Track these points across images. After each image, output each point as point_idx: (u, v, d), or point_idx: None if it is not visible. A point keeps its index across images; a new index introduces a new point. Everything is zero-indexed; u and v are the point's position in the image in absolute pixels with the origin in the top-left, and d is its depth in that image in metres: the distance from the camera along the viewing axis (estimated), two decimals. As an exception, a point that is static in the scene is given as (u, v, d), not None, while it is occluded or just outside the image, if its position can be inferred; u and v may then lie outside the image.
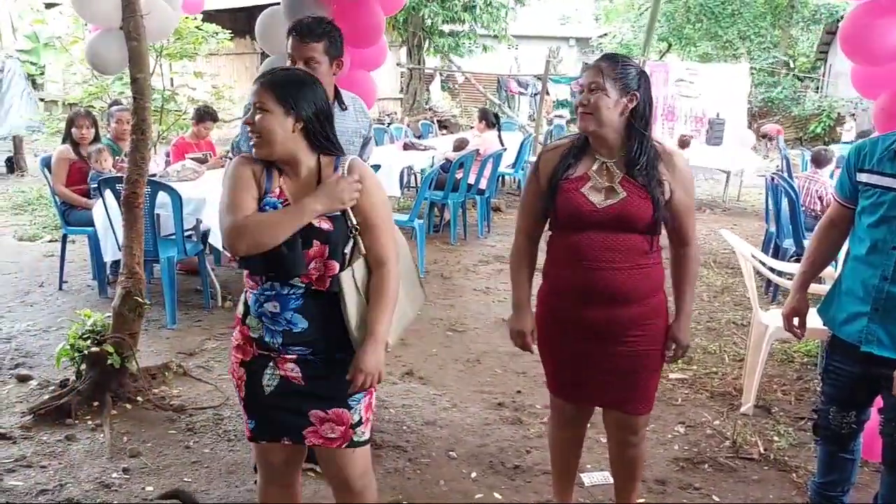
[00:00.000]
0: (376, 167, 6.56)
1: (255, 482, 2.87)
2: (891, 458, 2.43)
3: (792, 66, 21.23)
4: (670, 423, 3.77)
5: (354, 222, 2.09)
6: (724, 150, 11.23)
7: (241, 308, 2.19)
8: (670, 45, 23.61)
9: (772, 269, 4.37)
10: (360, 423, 2.18)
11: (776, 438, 3.61)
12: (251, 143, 2.07)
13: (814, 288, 2.78)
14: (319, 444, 2.17)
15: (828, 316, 2.58)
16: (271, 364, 2.13)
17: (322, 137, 2.10)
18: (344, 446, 2.17)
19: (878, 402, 2.51)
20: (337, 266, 2.07)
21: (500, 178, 10.26)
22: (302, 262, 2.03)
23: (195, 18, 8.33)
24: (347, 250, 2.10)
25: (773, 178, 6.28)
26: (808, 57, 23.71)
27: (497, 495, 3.08)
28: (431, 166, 8.36)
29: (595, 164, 2.35)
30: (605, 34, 26.94)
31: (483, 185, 8.02)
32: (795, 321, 2.68)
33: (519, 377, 4.32)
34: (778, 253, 5.89)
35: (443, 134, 13.52)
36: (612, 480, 2.92)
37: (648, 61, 12.72)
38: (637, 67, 2.35)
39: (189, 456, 3.26)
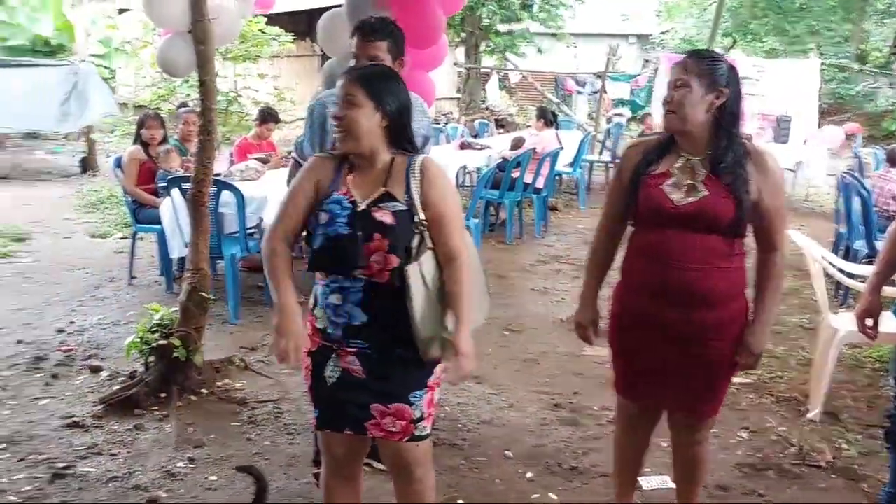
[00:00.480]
0: (434, 166, 6.61)
1: (314, 475, 2.95)
2: None
3: (865, 61, 20.42)
4: (734, 427, 3.68)
5: (422, 217, 2.11)
6: (791, 149, 10.90)
7: (311, 299, 2.25)
8: (735, 41, 23.01)
9: (842, 272, 4.23)
10: (421, 418, 2.21)
11: (845, 446, 3.49)
12: (335, 136, 2.13)
13: (888, 291, 2.69)
14: (381, 436, 2.22)
15: None
16: (333, 356, 2.19)
17: (402, 135, 2.15)
18: (405, 440, 2.21)
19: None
20: (397, 260, 2.09)
21: (558, 178, 10.18)
22: (361, 256, 2.07)
23: (258, 22, 8.53)
24: (414, 244, 2.11)
25: (844, 177, 6.07)
26: (881, 52, 22.81)
27: (553, 496, 3.06)
28: (487, 165, 8.35)
29: (679, 161, 2.31)
30: (667, 30, 26.42)
31: (540, 184, 7.97)
32: (868, 322, 2.59)
33: (577, 378, 4.28)
34: (849, 255, 5.68)
35: (499, 133, 13.48)
36: (671, 485, 2.88)
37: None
38: (727, 62, 2.29)
39: (250, 447, 3.34)
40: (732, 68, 2.29)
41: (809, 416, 3.75)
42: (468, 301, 2.14)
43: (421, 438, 2.24)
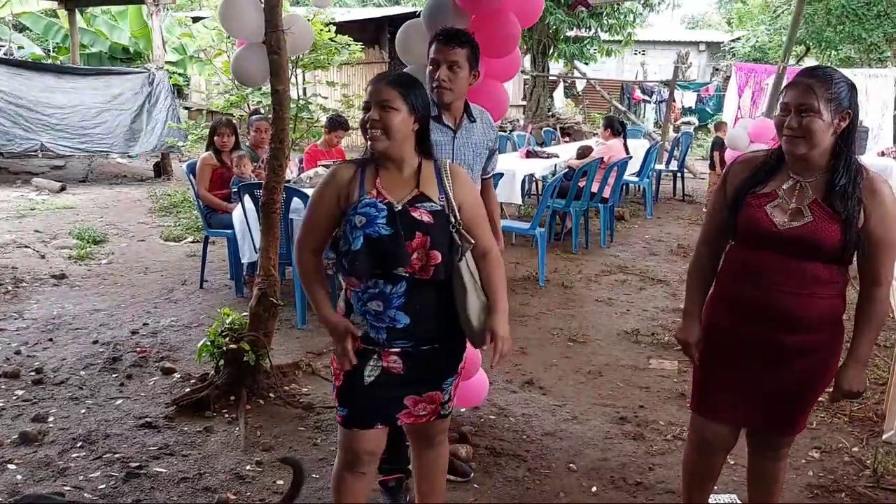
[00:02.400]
0: (498, 175, 6.61)
1: (380, 482, 2.98)
2: None
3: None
4: (804, 447, 3.57)
5: (458, 216, 2.25)
6: (867, 161, 10.51)
7: (342, 304, 2.32)
8: (808, 49, 22.35)
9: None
10: (448, 400, 2.41)
11: (924, 470, 3.35)
12: (368, 136, 2.20)
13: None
14: (410, 422, 2.36)
15: None
16: (375, 357, 2.26)
17: (427, 139, 2.28)
18: (432, 419, 2.40)
19: None
20: (440, 255, 2.19)
21: (625, 187, 10.06)
22: (406, 254, 2.16)
23: (329, 31, 8.70)
24: (456, 243, 2.24)
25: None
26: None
27: (618, 511, 3.04)
28: (553, 174, 8.31)
29: (787, 183, 2.25)
30: (738, 38, 25.86)
31: (606, 193, 7.90)
32: None
33: (642, 392, 4.23)
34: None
35: (565, 141, 13.41)
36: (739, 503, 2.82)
37: (789, 68, 12.14)
38: (848, 82, 2.20)
39: (316, 453, 3.40)
40: (853, 87, 2.22)
41: (885, 437, 3.61)
42: (503, 289, 2.35)
43: (446, 416, 2.45)
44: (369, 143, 2.20)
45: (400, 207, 2.19)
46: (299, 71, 8.89)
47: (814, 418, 3.87)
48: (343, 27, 10.25)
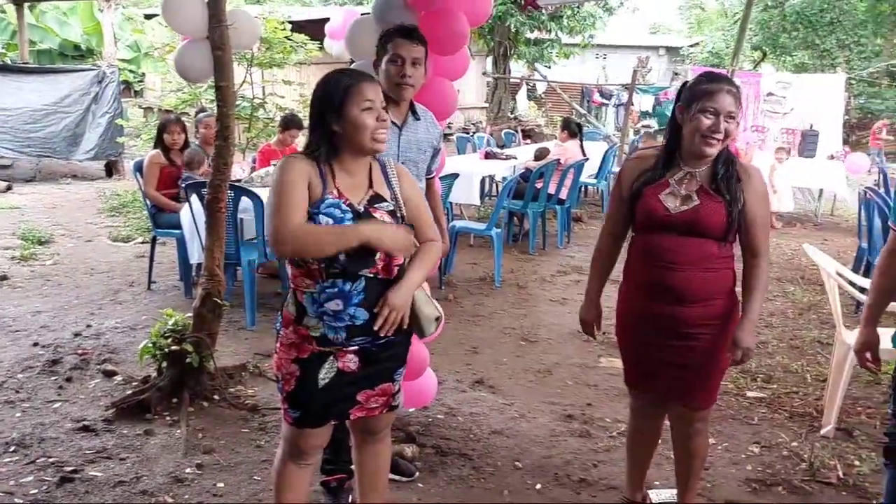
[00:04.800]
0: (454, 176, 6.62)
1: (322, 483, 2.96)
2: None
3: (895, 76, 20.11)
4: (744, 442, 3.63)
5: (405, 213, 2.27)
6: (816, 164, 10.76)
7: (291, 309, 2.25)
8: (765, 54, 22.81)
9: (860, 288, 4.15)
10: (399, 391, 2.42)
11: (857, 463, 3.42)
12: (379, 137, 2.19)
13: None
14: (362, 415, 2.35)
15: None
16: (331, 358, 2.23)
17: None
18: (383, 412, 2.40)
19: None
20: (401, 255, 2.23)
21: (584, 189, 10.14)
22: (372, 256, 2.17)
23: (284, 28, 8.62)
24: None
25: (866, 193, 5.98)
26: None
27: (561, 508, 3.05)
28: (513, 175, 8.35)
29: (678, 174, 2.53)
30: (696, 43, 26.29)
31: (564, 195, 7.96)
32: (868, 355, 2.56)
33: (590, 390, 4.25)
34: (869, 270, 5.57)
35: (526, 143, 13.48)
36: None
37: (739, 71, 12.35)
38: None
39: (260, 455, 3.34)
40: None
41: (822, 432, 3.69)
42: (423, 271, 2.30)
43: (395, 407, 2.45)
44: (377, 143, 2.18)
45: (362, 209, 2.19)
46: (255, 69, 8.78)
47: (755, 414, 3.95)
48: (301, 26, 10.17)
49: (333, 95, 2.17)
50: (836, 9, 20.87)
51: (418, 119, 2.97)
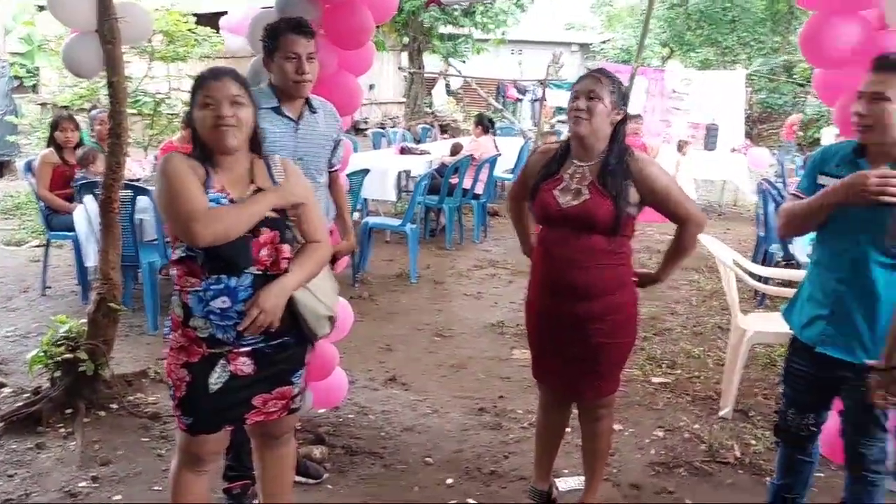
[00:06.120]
0: (365, 171, 6.56)
1: (224, 490, 2.87)
2: (851, 462, 2.48)
3: (792, 72, 21.09)
4: (649, 427, 3.73)
5: (289, 214, 2.22)
6: (719, 156, 11.17)
7: (178, 311, 2.18)
8: (672, 51, 23.54)
9: (757, 276, 4.33)
10: (298, 394, 2.35)
11: (753, 442, 3.56)
12: (225, 129, 2.10)
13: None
14: (260, 419, 2.28)
15: (791, 319, 2.58)
16: (222, 361, 2.16)
17: (258, 136, 2.23)
18: (283, 416, 2.33)
19: (839, 404, 2.51)
20: (288, 249, 2.19)
21: (500, 184, 10.22)
22: (250, 253, 2.11)
23: (187, 21, 8.33)
24: (291, 237, 2.22)
25: (762, 184, 6.25)
26: (807, 63, 23.50)
27: (471, 501, 3.05)
28: (428, 170, 8.33)
29: (571, 168, 2.57)
30: (608, 40, 26.88)
31: (479, 189, 8.00)
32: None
33: (503, 382, 4.29)
34: (767, 258, 5.82)
35: (444, 138, 13.49)
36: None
37: (643, 68, 12.71)
38: (623, 88, 2.59)
39: (160, 464, 3.21)
40: (627, 95, 2.63)
41: (721, 413, 3.83)
42: (306, 272, 2.23)
43: (295, 410, 2.38)
44: (223, 139, 2.11)
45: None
46: (158, 63, 8.46)
47: (660, 399, 4.06)
48: (208, 18, 9.83)
49: (190, 95, 2.17)
50: (737, 7, 21.74)
51: (315, 112, 2.91)
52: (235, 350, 2.16)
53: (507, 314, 5.49)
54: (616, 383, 2.78)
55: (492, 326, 5.25)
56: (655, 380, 4.31)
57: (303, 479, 3.05)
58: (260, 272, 2.14)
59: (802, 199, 2.45)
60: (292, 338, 2.26)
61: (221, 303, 2.11)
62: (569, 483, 3.15)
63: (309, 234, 2.28)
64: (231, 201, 2.12)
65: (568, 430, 3.05)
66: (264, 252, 2.14)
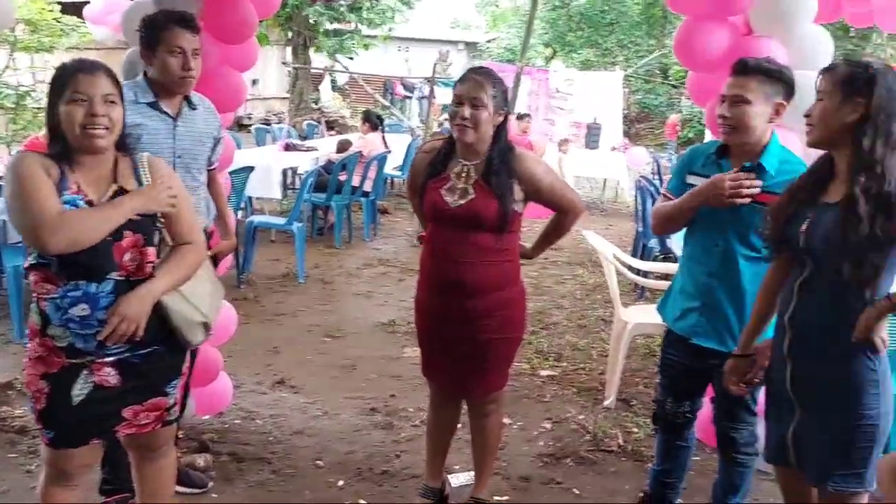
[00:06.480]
0: (249, 169, 6.38)
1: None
2: (723, 446, 2.64)
3: (667, 73, 22.19)
4: (538, 419, 3.83)
5: (159, 215, 2.11)
6: (600, 155, 11.61)
7: (35, 318, 2.05)
8: (555, 52, 24.23)
9: (636, 270, 4.53)
10: (174, 405, 2.25)
11: (635, 430, 3.72)
12: (96, 130, 2.00)
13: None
14: (132, 432, 2.17)
15: (664, 312, 2.71)
16: (84, 372, 2.04)
17: (124, 133, 2.12)
18: (157, 428, 2.22)
19: (712, 391, 2.65)
20: (154, 252, 2.08)
21: (389, 181, 10.20)
22: (112, 258, 2.00)
23: (52, 10, 7.84)
24: (157, 240, 2.12)
25: (639, 181, 6.54)
26: (681, 65, 24.74)
27: (362, 502, 3.03)
28: (315, 167, 8.21)
29: (457, 167, 2.59)
30: (493, 39, 27.36)
31: (368, 187, 7.96)
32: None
33: (394, 381, 4.28)
34: (645, 252, 6.10)
35: (331, 135, 13.34)
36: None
37: (528, 68, 13.02)
38: (504, 86, 2.58)
39: (29, 481, 2.99)
40: (506, 91, 2.60)
41: (605, 403, 3.98)
42: (174, 277, 2.12)
43: (172, 422, 2.29)
44: (93, 141, 2.00)
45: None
46: (21, 53, 7.92)
47: (547, 392, 4.18)
48: (76, 6, 9.28)
49: (51, 87, 2.03)
50: (616, 10, 22.65)
51: (194, 108, 2.81)
52: (99, 360, 2.04)
53: (397, 313, 5.49)
54: (505, 378, 2.83)
55: (383, 325, 5.23)
56: (543, 373, 4.43)
57: (186, 490, 2.94)
58: (122, 278, 2.02)
59: (672, 199, 2.59)
60: (163, 346, 2.15)
61: (81, 310, 1.98)
62: (460, 479, 3.19)
63: (180, 235, 2.18)
64: (89, 203, 2.00)
65: (459, 426, 3.07)
66: (127, 256, 2.03)
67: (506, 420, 3.57)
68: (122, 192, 2.08)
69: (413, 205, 2.96)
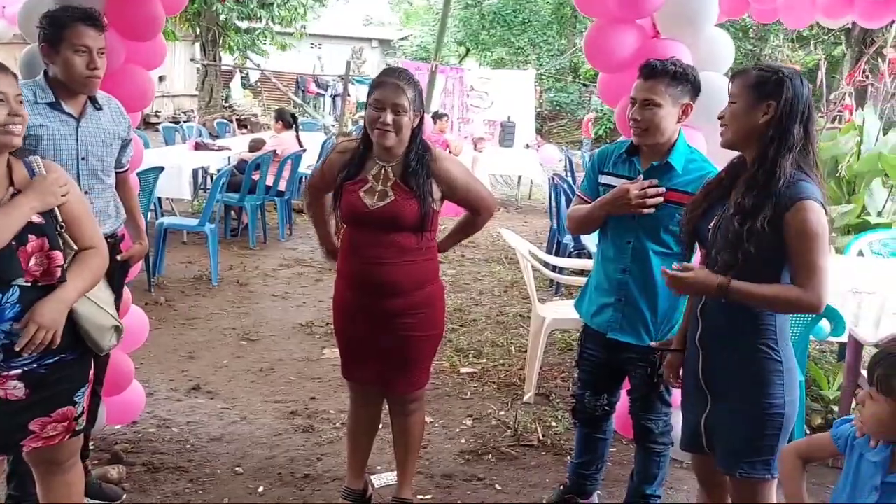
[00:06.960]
0: (159, 169, 6.17)
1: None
2: (640, 436, 2.73)
3: (577, 72, 22.70)
4: (459, 417, 3.86)
5: (60, 219, 2.04)
6: (515, 153, 11.79)
7: None
8: (468, 50, 24.43)
9: (552, 266, 4.63)
10: (81, 413, 2.19)
11: (554, 424, 3.79)
12: (16, 128, 1.95)
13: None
14: (39, 445, 2.09)
15: (581, 309, 2.79)
16: None
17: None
18: (66, 439, 2.16)
19: (628, 384, 2.74)
20: (61, 256, 2.01)
21: (305, 180, 10.05)
22: (18, 264, 1.92)
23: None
24: (62, 243, 2.05)
25: (553, 179, 6.68)
26: (592, 66, 25.36)
27: (284, 507, 3.00)
28: (227, 167, 8.02)
29: (375, 169, 2.58)
30: (406, 37, 27.36)
31: (282, 186, 7.83)
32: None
33: (314, 383, 4.23)
34: (560, 248, 6.24)
35: (242, 133, 13.06)
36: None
37: (443, 66, 13.09)
38: (420, 88, 2.62)
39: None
40: (422, 92, 2.63)
41: (525, 398, 4.05)
42: (83, 282, 2.07)
43: (80, 432, 2.23)
44: (11, 136, 1.94)
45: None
46: None
47: (468, 389, 4.21)
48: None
49: None
50: (527, 10, 23.01)
51: (100, 108, 2.70)
52: (4, 374, 1.95)
53: (316, 313, 5.43)
54: (426, 376, 2.85)
55: (301, 327, 5.17)
56: (463, 370, 4.46)
57: (98, 503, 2.83)
58: (29, 284, 1.94)
59: (587, 201, 2.68)
60: (71, 354, 2.08)
61: None
62: (383, 479, 3.19)
63: (83, 240, 2.11)
64: None
65: (380, 426, 3.07)
66: (34, 261, 1.95)
67: (428, 419, 3.59)
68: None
69: (309, 204, 2.91)
